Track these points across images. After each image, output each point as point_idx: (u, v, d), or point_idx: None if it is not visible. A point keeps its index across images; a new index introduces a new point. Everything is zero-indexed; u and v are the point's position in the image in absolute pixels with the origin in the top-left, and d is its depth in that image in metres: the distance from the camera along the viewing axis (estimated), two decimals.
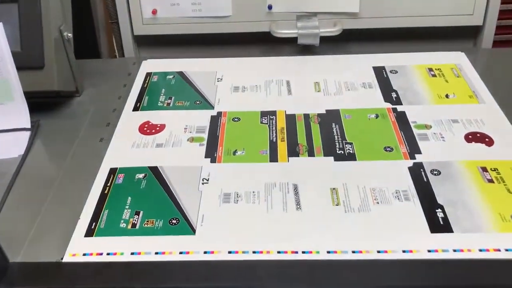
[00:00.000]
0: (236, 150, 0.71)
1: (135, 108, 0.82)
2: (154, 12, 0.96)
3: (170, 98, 0.83)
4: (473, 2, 0.93)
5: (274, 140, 0.73)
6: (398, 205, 0.61)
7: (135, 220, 0.60)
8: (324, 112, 0.78)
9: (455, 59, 0.90)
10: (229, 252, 0.56)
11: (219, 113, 0.79)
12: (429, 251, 0.55)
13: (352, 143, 0.71)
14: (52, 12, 0.78)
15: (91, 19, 1.07)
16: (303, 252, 0.56)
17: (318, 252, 0.56)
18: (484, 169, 0.66)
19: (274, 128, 0.75)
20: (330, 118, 0.77)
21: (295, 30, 0.92)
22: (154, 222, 0.60)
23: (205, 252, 0.56)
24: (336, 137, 0.73)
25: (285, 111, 0.79)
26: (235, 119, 0.78)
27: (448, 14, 0.95)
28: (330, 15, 0.94)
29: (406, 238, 0.57)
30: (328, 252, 0.56)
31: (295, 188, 0.64)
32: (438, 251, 0.55)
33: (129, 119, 0.79)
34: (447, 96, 0.81)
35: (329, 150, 0.70)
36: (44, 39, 0.77)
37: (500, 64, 0.92)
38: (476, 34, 0.99)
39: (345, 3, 0.94)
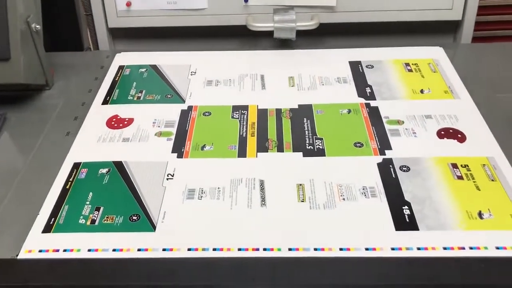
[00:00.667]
0: (204, 145, 0.70)
1: (105, 102, 0.80)
2: (128, 4, 0.94)
3: (141, 92, 0.82)
4: None
5: (244, 135, 0.72)
6: (364, 201, 0.60)
7: (94, 216, 0.59)
8: (297, 107, 0.77)
9: (432, 54, 0.89)
10: (189, 249, 0.55)
11: (190, 107, 0.78)
12: (392, 249, 0.54)
13: (322, 138, 0.70)
14: (19, 3, 0.76)
15: (73, 11, 1.05)
16: (264, 249, 0.54)
17: (279, 250, 0.54)
18: (455, 166, 0.64)
19: (245, 123, 0.74)
20: (302, 113, 0.76)
21: (271, 24, 0.90)
22: (114, 218, 0.59)
23: (164, 249, 0.55)
24: (306, 132, 0.72)
25: (257, 106, 0.78)
26: (206, 114, 0.76)
27: (427, 8, 0.93)
28: (307, 8, 0.93)
29: (370, 235, 0.56)
30: (290, 249, 0.54)
31: (262, 184, 0.63)
32: (402, 249, 0.54)
33: (98, 113, 0.77)
34: (422, 91, 0.79)
35: (299, 145, 0.69)
36: (9, 30, 0.75)
37: (478, 60, 0.90)
38: (455, 29, 0.98)
39: None
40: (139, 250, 0.55)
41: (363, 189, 0.62)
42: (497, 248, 0.54)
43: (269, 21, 0.91)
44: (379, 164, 0.65)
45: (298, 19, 0.90)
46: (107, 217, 0.59)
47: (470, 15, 0.94)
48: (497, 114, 0.74)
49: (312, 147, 0.69)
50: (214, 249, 0.55)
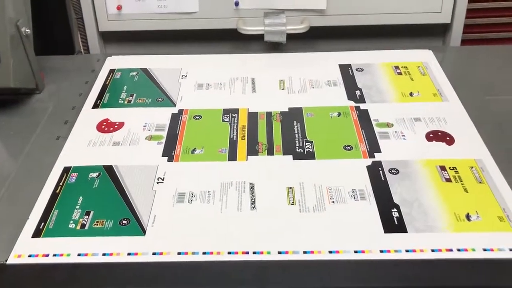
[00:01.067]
0: (195, 148, 0.70)
1: (95, 106, 0.80)
2: (119, 8, 0.94)
3: (132, 95, 0.82)
4: (441, 0, 0.93)
5: (235, 138, 0.72)
6: (353, 204, 0.60)
7: (84, 221, 0.59)
8: (287, 110, 0.77)
9: (422, 57, 0.90)
10: (179, 253, 0.55)
11: (181, 111, 0.78)
12: (381, 251, 0.55)
13: (312, 141, 0.71)
14: (8, 7, 0.76)
15: (65, 14, 1.05)
16: (254, 253, 0.55)
17: (269, 253, 0.55)
18: (443, 168, 0.65)
19: (235, 126, 0.74)
20: (292, 116, 0.76)
21: (262, 27, 0.91)
22: (104, 222, 0.59)
23: (153, 253, 0.55)
24: (296, 135, 0.72)
25: (248, 109, 0.78)
26: (197, 117, 0.77)
27: (416, 11, 0.94)
28: (297, 12, 0.93)
29: (359, 238, 0.56)
30: (279, 252, 0.55)
31: (252, 187, 0.63)
32: (391, 252, 0.54)
33: (88, 117, 0.77)
34: (411, 94, 0.80)
35: (289, 148, 0.69)
36: None
37: (467, 62, 0.91)
38: (445, 32, 0.98)
39: (313, 0, 0.92)
40: (129, 254, 0.55)
41: (353, 192, 0.62)
42: (485, 250, 0.54)
43: (259, 25, 0.91)
44: (368, 167, 0.66)
45: (289, 22, 0.91)
46: (97, 221, 0.59)
47: (459, 18, 0.95)
48: (485, 117, 0.75)
49: (302, 150, 0.69)
50: (204, 253, 0.55)
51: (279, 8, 0.93)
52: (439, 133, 0.71)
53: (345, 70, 0.87)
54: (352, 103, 0.78)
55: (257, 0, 0.93)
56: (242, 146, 0.70)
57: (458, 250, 0.54)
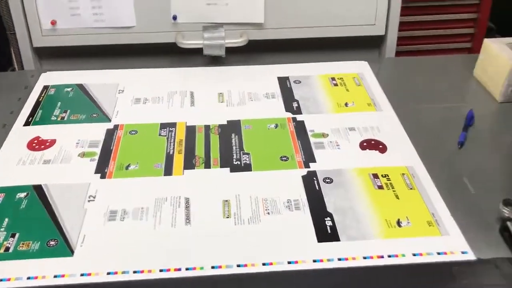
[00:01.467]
0: (129, 164, 0.69)
1: (27, 123, 0.77)
2: (53, 23, 0.92)
3: (66, 112, 0.80)
4: (375, 13, 0.96)
5: (171, 153, 0.71)
6: (288, 215, 0.60)
7: (9, 243, 0.56)
8: (226, 123, 0.77)
9: (358, 69, 0.92)
10: (108, 273, 0.53)
11: (116, 126, 0.76)
12: (314, 261, 0.55)
13: (249, 153, 0.71)
14: None
15: (3, 30, 1.02)
16: (187, 269, 0.54)
17: (202, 268, 0.54)
18: (375, 176, 0.66)
19: (172, 141, 0.73)
20: (230, 129, 0.76)
21: (201, 41, 0.91)
22: (30, 244, 0.56)
23: (82, 275, 0.53)
24: (234, 148, 0.72)
25: (186, 123, 0.77)
26: (132, 132, 0.75)
27: (352, 24, 0.97)
28: (236, 25, 0.94)
29: (293, 248, 0.56)
30: (213, 267, 0.54)
31: (187, 202, 0.62)
32: (323, 261, 0.55)
33: (18, 135, 0.74)
34: (346, 104, 0.82)
35: (226, 161, 0.69)
36: None
37: (401, 73, 0.94)
38: (380, 44, 1.01)
39: (250, 13, 0.93)
40: (55, 276, 0.53)
41: (288, 202, 0.62)
42: (414, 255, 0.55)
43: (198, 38, 0.91)
44: (303, 177, 0.66)
45: (227, 36, 0.91)
46: (22, 244, 0.56)
47: (392, 30, 0.98)
48: (417, 125, 0.77)
49: (239, 163, 0.69)
50: (135, 272, 0.53)
51: (218, 22, 0.93)
52: (372, 142, 0.73)
53: (283, 83, 0.88)
54: (290, 115, 0.79)
55: (195, 14, 0.93)
56: (178, 160, 0.70)
57: (389, 256, 0.55)
